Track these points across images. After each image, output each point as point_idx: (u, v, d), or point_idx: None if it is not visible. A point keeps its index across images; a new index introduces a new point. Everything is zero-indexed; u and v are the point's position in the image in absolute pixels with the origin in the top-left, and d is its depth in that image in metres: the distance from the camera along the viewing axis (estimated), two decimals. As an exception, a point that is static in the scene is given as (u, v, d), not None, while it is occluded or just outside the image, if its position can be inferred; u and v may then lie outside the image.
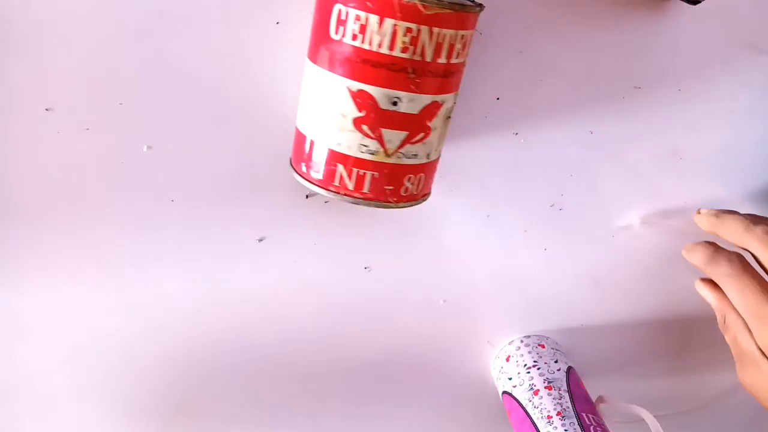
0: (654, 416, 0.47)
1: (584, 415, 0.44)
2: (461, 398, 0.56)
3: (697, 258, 0.45)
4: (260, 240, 0.46)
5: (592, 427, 0.43)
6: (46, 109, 0.39)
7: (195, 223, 0.44)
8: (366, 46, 0.30)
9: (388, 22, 0.30)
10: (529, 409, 0.47)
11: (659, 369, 0.58)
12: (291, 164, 0.39)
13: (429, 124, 0.34)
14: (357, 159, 0.33)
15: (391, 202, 0.36)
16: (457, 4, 0.31)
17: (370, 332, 0.51)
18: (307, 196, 0.45)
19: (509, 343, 0.53)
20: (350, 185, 0.34)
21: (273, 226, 0.45)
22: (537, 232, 0.49)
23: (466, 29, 0.33)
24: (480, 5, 0.34)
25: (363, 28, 0.30)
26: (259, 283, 0.48)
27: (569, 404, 0.45)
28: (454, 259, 0.49)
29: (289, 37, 0.40)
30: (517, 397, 0.49)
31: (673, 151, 0.48)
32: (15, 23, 0.37)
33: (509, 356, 0.53)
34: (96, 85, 0.39)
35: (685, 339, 0.57)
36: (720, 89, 0.46)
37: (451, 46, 0.32)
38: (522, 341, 0.53)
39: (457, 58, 0.33)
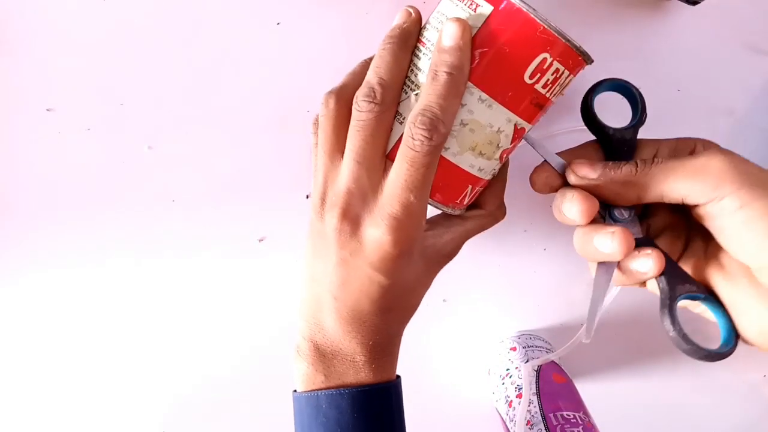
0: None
1: (551, 416, 0.45)
2: (461, 398, 0.56)
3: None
4: (260, 240, 0.46)
5: (558, 427, 0.44)
6: (47, 110, 0.39)
7: (195, 223, 0.44)
8: (548, 94, 0.32)
9: (570, 77, 0.33)
10: (508, 424, 0.48)
11: (658, 369, 0.58)
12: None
13: None
14: (484, 180, 0.35)
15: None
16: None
17: (370, 332, 0.51)
18: (307, 196, 0.45)
19: (489, 352, 0.54)
20: (466, 200, 0.35)
21: (273, 226, 0.46)
22: (537, 232, 0.49)
23: None
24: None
25: (555, 80, 0.32)
26: (259, 283, 0.48)
27: (537, 409, 0.46)
28: (454, 259, 0.49)
29: (290, 38, 0.40)
30: (500, 411, 0.50)
31: (673, 151, 0.48)
32: (15, 24, 0.37)
33: (489, 369, 0.53)
34: (97, 86, 0.39)
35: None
36: (720, 89, 0.46)
37: None
38: (496, 349, 0.53)
39: None
